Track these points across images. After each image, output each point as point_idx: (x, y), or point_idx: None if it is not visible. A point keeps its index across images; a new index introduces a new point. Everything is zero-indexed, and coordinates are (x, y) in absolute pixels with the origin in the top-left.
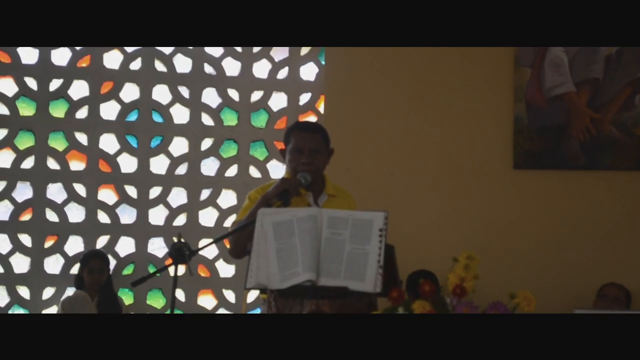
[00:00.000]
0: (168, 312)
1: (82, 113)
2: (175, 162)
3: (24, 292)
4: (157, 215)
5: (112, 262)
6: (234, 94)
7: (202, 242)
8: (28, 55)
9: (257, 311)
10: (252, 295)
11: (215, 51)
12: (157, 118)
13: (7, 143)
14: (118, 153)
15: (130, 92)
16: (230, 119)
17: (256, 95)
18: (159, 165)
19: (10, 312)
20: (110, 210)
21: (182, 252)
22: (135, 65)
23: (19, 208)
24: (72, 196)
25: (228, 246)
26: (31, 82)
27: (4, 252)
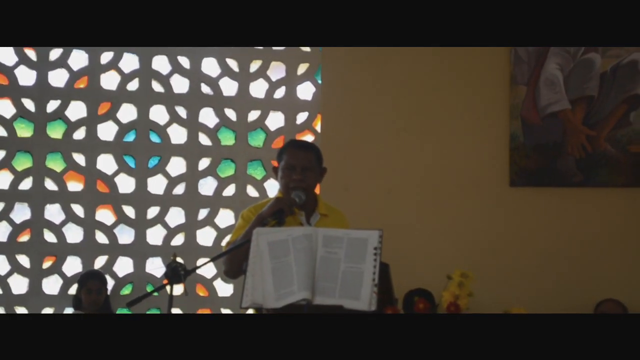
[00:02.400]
0: None
1: (79, 134)
2: (172, 182)
3: (22, 312)
4: (155, 235)
5: (111, 282)
6: (231, 113)
7: (200, 262)
8: (25, 76)
9: None
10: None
11: (212, 71)
12: (154, 138)
13: (5, 164)
14: (116, 173)
15: (127, 112)
16: (227, 138)
17: (253, 115)
18: (156, 185)
19: None
20: (108, 230)
21: (177, 272)
22: (133, 85)
23: (17, 229)
24: (70, 217)
25: (224, 267)
26: (29, 104)
27: (3, 273)
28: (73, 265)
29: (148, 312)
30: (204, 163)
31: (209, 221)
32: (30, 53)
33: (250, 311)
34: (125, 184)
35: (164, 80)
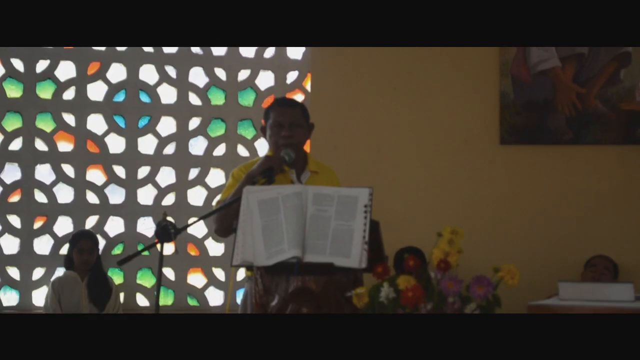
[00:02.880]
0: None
1: (69, 94)
2: (163, 141)
3: (14, 272)
4: (145, 195)
5: (102, 242)
6: (221, 73)
7: (191, 221)
8: None
9: (244, 289)
10: (241, 273)
11: None
12: (144, 98)
13: None
14: (106, 133)
15: (117, 72)
16: (217, 98)
17: (243, 74)
18: (147, 145)
19: (0, 293)
20: (99, 190)
21: (167, 230)
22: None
23: (8, 189)
24: (61, 177)
25: (214, 225)
26: (18, 64)
27: None
28: (64, 226)
29: (139, 272)
30: (194, 123)
31: (200, 181)
32: None
33: (242, 272)
34: (116, 144)
35: None
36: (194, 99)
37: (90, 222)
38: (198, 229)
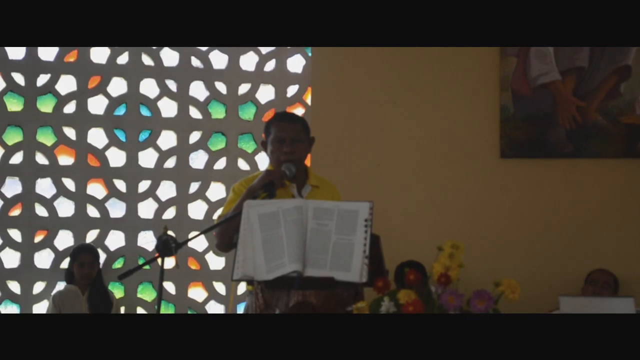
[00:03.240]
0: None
1: (69, 108)
2: (163, 155)
3: (14, 287)
4: (146, 209)
5: (102, 256)
6: (221, 87)
7: (192, 235)
8: (15, 51)
9: (244, 303)
10: (242, 287)
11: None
12: (145, 112)
13: None
14: (106, 147)
15: (117, 86)
16: (218, 111)
17: (244, 88)
18: (147, 158)
19: (1, 307)
20: (100, 204)
21: (168, 244)
22: (123, 59)
23: (9, 203)
24: (62, 191)
25: (216, 240)
26: (18, 78)
27: None
28: (65, 239)
29: (140, 286)
30: (194, 136)
31: (200, 194)
32: None
33: (243, 286)
34: (116, 157)
35: (154, 53)
36: (194, 113)
37: (91, 236)
38: (199, 243)
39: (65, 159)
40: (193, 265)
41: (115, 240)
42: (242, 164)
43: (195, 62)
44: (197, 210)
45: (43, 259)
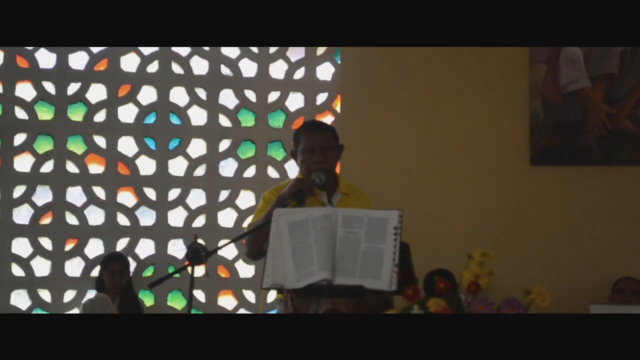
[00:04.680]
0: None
1: (100, 116)
2: (193, 163)
3: (45, 295)
4: (176, 217)
5: (133, 265)
6: (251, 94)
7: (222, 243)
8: (46, 59)
9: (274, 311)
10: (272, 295)
11: (232, 52)
12: (174, 120)
13: (27, 147)
14: (136, 155)
15: (147, 94)
16: (247, 120)
17: (273, 96)
18: (177, 167)
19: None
20: (130, 212)
21: (198, 253)
22: (153, 67)
23: (39, 212)
24: (92, 199)
25: (246, 248)
26: (49, 87)
27: (25, 255)
28: (95, 248)
29: (170, 294)
30: (224, 144)
31: (230, 203)
32: None
33: (272, 294)
34: (146, 166)
35: (184, 61)
36: (224, 121)
37: (121, 244)
38: (228, 251)
39: (96, 168)
40: (223, 273)
41: (146, 248)
42: (272, 172)
43: (225, 70)
44: (226, 218)
45: (73, 267)
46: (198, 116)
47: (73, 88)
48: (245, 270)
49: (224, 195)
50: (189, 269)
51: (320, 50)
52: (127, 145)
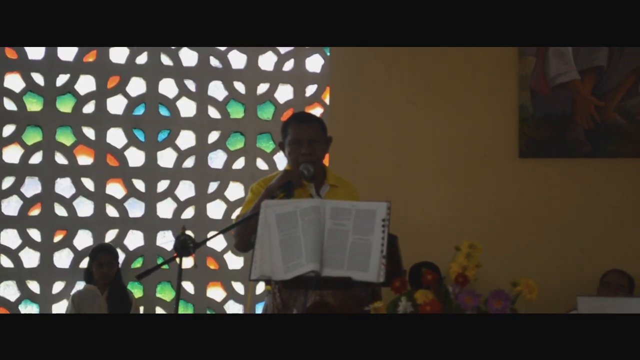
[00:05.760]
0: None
1: (89, 108)
2: (182, 155)
3: (34, 286)
4: (165, 209)
5: (122, 256)
6: (240, 86)
7: (210, 235)
8: (34, 51)
9: (263, 303)
10: (260, 287)
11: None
12: (163, 112)
13: (15, 138)
14: (125, 147)
15: (136, 86)
16: (236, 111)
17: (262, 88)
18: (166, 158)
19: (20, 306)
20: (119, 204)
21: (186, 244)
22: (142, 59)
23: (28, 203)
24: (81, 190)
25: (234, 240)
26: (38, 78)
27: (14, 247)
28: (84, 239)
29: (159, 285)
30: (213, 136)
31: (219, 194)
32: None
33: (261, 286)
34: (135, 157)
35: (173, 53)
36: (213, 113)
37: (110, 235)
38: (217, 242)
39: (85, 159)
40: (212, 264)
41: (134, 240)
42: (261, 164)
43: (214, 62)
44: (215, 210)
45: (62, 259)
46: (187, 108)
47: (62, 79)
48: (234, 261)
49: (213, 186)
50: (178, 260)
51: None
52: (116, 137)
